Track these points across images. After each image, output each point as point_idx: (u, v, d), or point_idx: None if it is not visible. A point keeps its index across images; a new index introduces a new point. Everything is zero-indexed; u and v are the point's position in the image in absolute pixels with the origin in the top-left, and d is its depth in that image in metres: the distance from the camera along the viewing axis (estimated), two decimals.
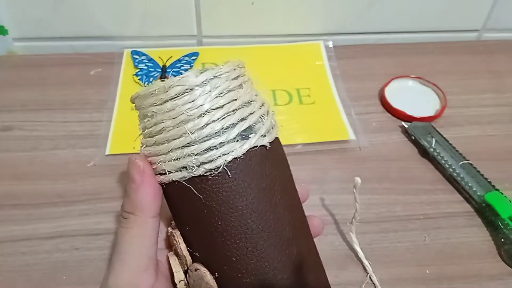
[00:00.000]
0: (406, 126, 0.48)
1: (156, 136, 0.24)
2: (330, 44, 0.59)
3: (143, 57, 0.56)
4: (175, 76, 0.56)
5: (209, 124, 0.22)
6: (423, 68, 0.56)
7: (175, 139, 0.23)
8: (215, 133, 0.23)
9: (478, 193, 0.41)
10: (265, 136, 0.24)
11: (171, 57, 0.56)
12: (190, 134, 0.22)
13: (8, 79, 0.54)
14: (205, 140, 0.23)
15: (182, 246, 0.25)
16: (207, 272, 0.24)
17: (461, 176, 0.43)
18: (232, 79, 0.24)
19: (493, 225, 0.40)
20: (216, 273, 0.24)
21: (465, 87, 0.55)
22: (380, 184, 0.44)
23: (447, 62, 0.58)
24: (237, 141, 0.23)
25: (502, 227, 0.38)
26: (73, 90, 0.52)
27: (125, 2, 0.55)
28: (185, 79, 0.22)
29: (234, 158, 0.23)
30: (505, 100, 0.53)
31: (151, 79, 0.53)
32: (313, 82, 0.54)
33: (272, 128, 0.25)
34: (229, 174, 0.23)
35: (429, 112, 0.50)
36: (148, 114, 0.24)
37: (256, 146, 0.23)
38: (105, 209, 0.40)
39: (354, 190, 0.33)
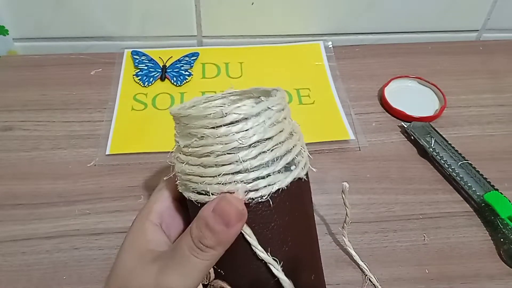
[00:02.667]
0: (406, 126, 0.48)
1: (203, 158, 0.24)
2: (330, 44, 0.59)
3: (143, 57, 0.56)
4: (175, 76, 0.56)
5: (259, 154, 0.23)
6: (422, 68, 0.56)
7: (224, 165, 0.23)
8: (264, 163, 0.23)
9: (478, 193, 0.41)
10: (303, 168, 0.25)
11: (171, 57, 0.56)
12: (241, 162, 0.23)
13: (8, 79, 0.54)
14: (254, 170, 0.23)
15: None
16: None
17: (461, 176, 0.43)
18: (280, 111, 0.25)
19: (493, 225, 0.40)
20: None
21: (464, 87, 0.55)
22: (379, 184, 0.44)
23: (447, 62, 0.58)
24: (281, 172, 0.24)
25: (502, 227, 0.39)
26: (74, 90, 0.52)
27: (125, 2, 0.55)
28: (242, 108, 0.23)
29: (278, 189, 0.24)
30: (505, 100, 0.54)
31: (151, 79, 0.53)
32: (312, 82, 0.54)
33: (308, 160, 0.27)
34: (272, 204, 0.24)
35: (429, 112, 0.50)
36: (197, 135, 0.24)
37: (296, 178, 0.24)
38: (106, 209, 0.41)
39: (343, 195, 0.33)
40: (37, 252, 0.37)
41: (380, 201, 0.42)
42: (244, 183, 0.23)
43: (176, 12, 0.57)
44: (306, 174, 0.26)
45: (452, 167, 0.44)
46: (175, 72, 0.54)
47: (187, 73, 0.54)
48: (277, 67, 0.56)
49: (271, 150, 0.24)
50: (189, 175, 0.25)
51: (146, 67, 0.55)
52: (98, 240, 0.38)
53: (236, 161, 0.23)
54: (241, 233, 0.24)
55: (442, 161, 0.44)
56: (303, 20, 0.60)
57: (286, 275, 0.24)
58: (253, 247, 0.24)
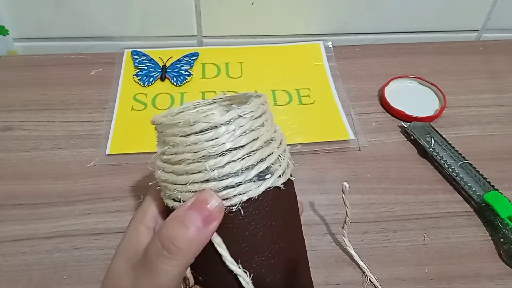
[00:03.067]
0: (406, 126, 0.48)
1: (175, 166, 0.24)
2: (330, 45, 0.59)
3: (143, 57, 0.56)
4: (175, 76, 0.56)
5: (229, 163, 0.23)
6: (422, 68, 0.56)
7: (194, 173, 0.23)
8: (234, 172, 0.23)
9: (478, 193, 0.41)
10: (280, 177, 0.25)
11: (171, 57, 0.56)
12: (210, 171, 0.23)
13: (8, 79, 0.54)
14: (224, 179, 0.23)
15: (187, 270, 0.25)
16: None
17: (461, 176, 0.43)
18: (256, 118, 0.24)
19: (493, 225, 0.40)
20: None
21: (464, 87, 0.55)
22: (379, 184, 0.44)
23: (447, 62, 0.58)
24: (254, 181, 0.23)
25: (501, 227, 0.39)
26: (74, 90, 0.52)
27: (125, 2, 0.55)
28: (210, 117, 0.23)
29: (249, 198, 0.23)
30: (505, 100, 0.54)
31: (151, 79, 0.53)
32: (312, 82, 0.54)
33: (287, 168, 0.26)
34: (242, 213, 0.23)
35: (429, 112, 0.50)
36: (170, 143, 0.24)
37: (271, 187, 0.24)
38: (106, 209, 0.41)
39: (343, 195, 0.33)
40: (37, 252, 0.37)
41: (380, 201, 0.42)
42: (214, 191, 0.23)
43: (176, 12, 0.57)
44: (286, 182, 0.25)
45: (452, 167, 0.44)
46: (175, 72, 0.54)
47: (187, 73, 0.54)
48: (277, 67, 0.56)
49: (242, 159, 0.23)
50: (164, 182, 0.25)
51: (146, 67, 0.55)
52: (98, 240, 0.38)
53: (205, 170, 0.23)
54: (212, 242, 0.23)
55: (442, 161, 0.44)
56: (303, 20, 0.60)
57: (258, 286, 0.24)
58: (223, 258, 0.23)
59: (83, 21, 0.57)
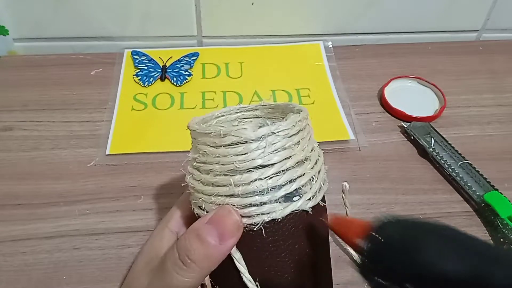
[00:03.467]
0: (406, 126, 0.48)
1: (204, 175, 0.24)
2: (330, 45, 0.59)
3: (143, 57, 0.56)
4: (175, 76, 0.56)
5: (256, 181, 0.22)
6: (422, 68, 0.56)
7: (219, 186, 0.23)
8: (260, 191, 0.22)
9: (477, 193, 0.41)
10: (309, 200, 0.24)
11: (171, 57, 0.56)
12: (235, 186, 0.22)
13: (8, 79, 0.54)
14: (249, 196, 0.22)
15: (207, 283, 0.25)
16: None
17: (460, 176, 0.43)
18: (290, 136, 0.23)
19: (492, 225, 0.40)
20: None
21: (464, 87, 0.55)
22: (379, 184, 0.44)
23: (446, 62, 0.58)
24: (280, 202, 0.23)
25: (501, 227, 0.39)
26: (74, 90, 0.52)
27: (125, 2, 0.55)
28: (242, 131, 0.22)
29: (272, 219, 0.22)
30: (505, 100, 0.54)
31: (151, 79, 0.53)
32: (312, 83, 0.54)
33: (319, 191, 0.25)
34: (264, 233, 0.23)
35: (429, 112, 0.50)
36: (200, 151, 0.24)
37: (298, 210, 0.23)
38: (106, 209, 0.41)
39: (343, 195, 0.33)
40: (37, 252, 0.37)
41: (380, 201, 0.42)
42: (237, 207, 0.22)
43: (176, 12, 0.57)
44: (316, 206, 0.24)
45: (452, 167, 0.44)
46: (175, 72, 0.54)
47: (187, 73, 0.54)
48: (277, 67, 0.56)
49: (270, 178, 0.22)
50: (192, 188, 0.25)
51: (146, 67, 0.55)
52: (98, 240, 0.38)
53: (230, 184, 0.22)
54: (232, 257, 0.23)
55: (442, 161, 0.44)
56: (303, 20, 0.60)
57: None
58: (241, 274, 0.23)
59: (83, 21, 0.57)
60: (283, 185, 0.23)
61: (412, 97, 0.53)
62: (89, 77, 0.54)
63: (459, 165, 0.44)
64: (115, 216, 0.40)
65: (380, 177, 0.44)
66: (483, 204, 0.41)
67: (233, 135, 0.22)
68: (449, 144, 0.46)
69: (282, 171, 0.23)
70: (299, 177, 0.23)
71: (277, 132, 0.23)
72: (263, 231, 0.23)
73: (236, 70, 0.56)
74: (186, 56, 0.56)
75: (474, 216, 0.41)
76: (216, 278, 0.25)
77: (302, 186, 0.23)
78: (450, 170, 0.43)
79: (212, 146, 0.23)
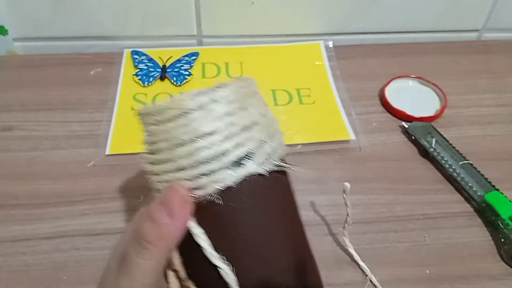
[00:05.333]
0: (406, 126, 0.48)
1: (154, 156, 0.23)
2: (330, 44, 0.59)
3: (143, 57, 0.56)
4: (175, 76, 0.56)
5: (202, 150, 0.22)
6: (423, 68, 0.56)
7: (168, 162, 0.22)
8: (207, 159, 0.22)
9: (478, 193, 0.41)
10: (263, 163, 0.23)
11: (171, 57, 0.56)
12: (182, 159, 0.22)
13: (8, 79, 0.54)
14: (197, 166, 0.22)
15: (177, 262, 0.25)
16: None
17: (461, 176, 0.43)
18: (232, 102, 0.23)
19: (493, 225, 0.40)
20: None
21: (465, 87, 0.55)
22: (380, 184, 0.44)
23: (447, 62, 0.58)
24: (231, 168, 0.22)
25: (502, 227, 0.38)
26: (73, 90, 0.52)
27: (125, 2, 0.55)
28: (180, 102, 0.22)
29: (226, 186, 0.22)
30: (505, 100, 0.53)
31: (151, 79, 0.53)
32: (313, 82, 0.54)
33: (273, 154, 0.24)
34: (221, 202, 0.22)
35: (429, 112, 0.50)
36: (148, 132, 0.24)
37: (252, 174, 0.22)
38: (105, 209, 0.40)
39: (344, 195, 0.32)
40: (36, 253, 0.37)
41: (380, 201, 0.42)
42: (188, 180, 0.22)
43: (176, 12, 0.57)
44: (275, 171, 0.23)
45: (453, 167, 0.43)
46: (175, 72, 0.54)
47: (187, 73, 0.54)
48: (277, 67, 0.56)
49: (216, 144, 0.22)
50: (149, 173, 0.24)
51: (146, 67, 0.55)
52: (98, 240, 0.38)
53: (177, 158, 0.22)
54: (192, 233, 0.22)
55: (443, 161, 0.44)
56: (303, 20, 0.60)
57: (246, 278, 0.22)
58: (203, 250, 0.22)
59: (83, 21, 0.57)
60: (230, 151, 0.22)
61: (413, 97, 0.53)
62: (89, 77, 0.54)
63: (460, 165, 0.44)
64: (114, 216, 0.40)
65: (381, 177, 0.44)
66: (484, 204, 0.41)
67: (172, 108, 0.22)
68: (450, 144, 0.46)
69: (228, 137, 0.22)
70: (248, 140, 0.22)
71: (217, 98, 0.22)
72: (221, 201, 0.22)
73: (236, 69, 0.55)
74: (186, 55, 0.56)
75: (475, 216, 0.41)
76: (183, 260, 0.24)
77: (252, 151, 0.22)
78: (451, 170, 0.43)
79: (156, 124, 0.23)
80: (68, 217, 0.40)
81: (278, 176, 0.24)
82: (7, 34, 0.56)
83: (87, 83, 0.53)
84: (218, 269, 0.22)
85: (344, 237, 0.37)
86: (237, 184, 0.22)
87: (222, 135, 0.22)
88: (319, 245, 0.39)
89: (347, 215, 0.34)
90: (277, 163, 0.24)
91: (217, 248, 0.22)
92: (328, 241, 0.39)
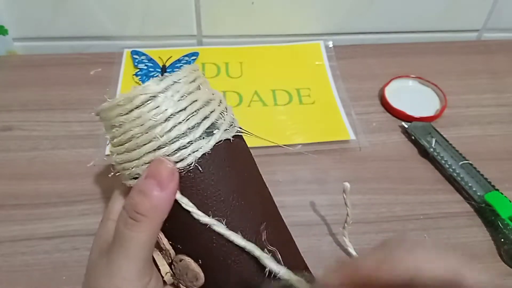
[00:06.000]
0: (406, 126, 0.48)
1: (127, 144, 0.25)
2: (330, 44, 0.59)
3: (143, 57, 0.56)
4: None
5: (175, 126, 0.24)
6: (423, 68, 0.56)
7: (145, 144, 0.24)
8: (182, 133, 0.24)
9: (478, 193, 0.41)
10: (227, 130, 0.26)
11: (171, 57, 0.56)
12: (159, 137, 0.24)
13: (8, 79, 0.54)
14: (174, 142, 0.24)
15: (165, 241, 0.26)
16: (191, 261, 0.26)
17: (461, 176, 0.43)
18: (190, 82, 0.26)
19: (493, 225, 0.40)
20: (199, 260, 0.26)
21: (465, 87, 0.55)
22: (380, 184, 0.44)
23: (447, 62, 0.58)
24: (203, 138, 0.25)
25: (502, 227, 0.38)
26: (73, 90, 0.52)
27: (125, 2, 0.55)
28: (147, 88, 0.24)
29: (203, 154, 0.25)
30: (505, 100, 0.53)
31: (151, 79, 0.53)
32: (313, 82, 0.54)
33: (233, 122, 0.27)
34: (200, 169, 0.24)
35: (429, 112, 0.50)
36: (116, 124, 0.25)
37: (221, 141, 0.25)
38: (105, 209, 0.40)
39: (344, 195, 0.33)
40: (36, 253, 0.37)
41: (380, 201, 0.42)
42: (168, 156, 0.24)
43: (176, 12, 0.57)
44: (236, 135, 0.27)
45: (453, 167, 0.43)
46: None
47: None
48: (277, 67, 0.56)
49: (187, 120, 0.24)
50: (121, 164, 0.26)
51: (145, 67, 0.55)
52: None
53: (154, 138, 0.24)
54: (179, 204, 0.24)
55: (443, 161, 0.44)
56: (303, 20, 0.60)
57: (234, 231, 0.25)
58: (193, 214, 0.24)
59: (83, 21, 0.57)
60: (200, 123, 0.25)
61: (413, 97, 0.53)
62: (89, 77, 0.54)
63: (460, 165, 0.44)
64: None
65: (381, 177, 0.44)
66: (483, 204, 0.41)
67: (141, 94, 0.24)
68: (450, 144, 0.46)
69: (195, 111, 0.25)
70: (211, 112, 0.26)
71: (178, 80, 0.25)
72: (200, 168, 0.24)
73: (236, 69, 0.55)
74: (186, 55, 0.56)
75: (474, 216, 0.41)
76: (174, 236, 0.26)
77: (217, 120, 0.26)
78: (451, 170, 0.43)
79: (125, 114, 0.24)
80: (68, 217, 0.40)
81: (239, 141, 0.28)
82: (7, 34, 0.56)
83: (87, 83, 0.53)
84: (213, 226, 0.24)
85: (344, 237, 0.37)
86: (211, 151, 0.25)
87: (189, 111, 0.25)
88: (319, 245, 0.39)
89: (347, 215, 0.34)
90: (238, 129, 0.27)
91: (204, 211, 0.24)
92: (328, 241, 0.39)
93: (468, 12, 0.60)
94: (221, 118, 0.26)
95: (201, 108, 0.25)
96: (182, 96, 0.25)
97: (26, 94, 0.52)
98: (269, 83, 0.54)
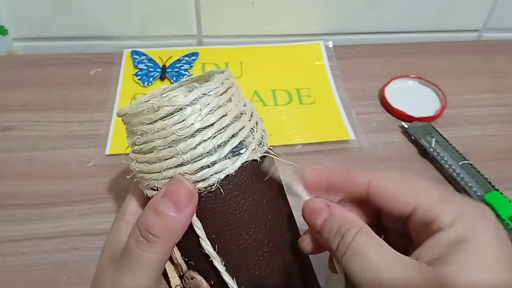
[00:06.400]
0: (406, 126, 0.48)
1: (148, 155, 0.24)
2: (330, 44, 0.59)
3: (143, 57, 0.56)
4: (175, 76, 0.56)
5: (201, 143, 0.22)
6: (423, 68, 0.56)
7: (167, 159, 0.23)
8: (207, 152, 0.22)
9: (478, 193, 0.41)
10: (255, 149, 0.24)
11: (171, 57, 0.56)
12: (182, 154, 0.22)
13: (8, 79, 0.54)
14: (198, 160, 0.22)
15: (178, 255, 0.25)
16: (203, 280, 0.25)
17: (461, 176, 0.43)
18: (221, 94, 0.24)
19: None
20: (211, 281, 0.24)
21: (465, 87, 0.55)
22: None
23: (447, 62, 0.58)
24: (229, 158, 0.23)
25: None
26: (73, 90, 0.52)
27: (125, 2, 0.55)
28: (174, 99, 0.22)
29: (227, 175, 0.23)
30: (505, 100, 0.53)
31: (151, 79, 0.53)
32: (313, 82, 0.54)
33: (262, 140, 0.25)
34: (222, 191, 0.23)
35: (429, 112, 0.50)
36: (138, 132, 0.24)
37: (248, 161, 0.24)
38: (105, 209, 0.40)
39: None
40: (36, 253, 0.37)
41: None
42: (190, 174, 0.23)
43: (176, 12, 0.57)
44: (266, 155, 0.25)
45: (453, 167, 0.43)
46: (175, 72, 0.54)
47: (187, 73, 0.54)
48: (277, 67, 0.56)
49: (214, 137, 0.22)
50: (140, 172, 0.25)
51: (145, 67, 0.55)
52: (98, 240, 0.38)
53: (176, 154, 0.22)
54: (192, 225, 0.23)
55: (443, 161, 0.44)
56: (303, 20, 0.60)
57: (244, 268, 0.24)
58: (201, 242, 0.23)
59: (83, 21, 0.57)
60: (227, 141, 0.23)
61: (413, 97, 0.53)
62: (89, 77, 0.54)
63: (460, 165, 0.44)
64: (114, 216, 0.39)
65: None
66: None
67: (166, 105, 0.22)
68: (450, 144, 0.46)
69: (223, 128, 0.23)
70: (240, 130, 0.24)
71: (208, 92, 0.23)
72: (221, 190, 0.23)
73: (236, 69, 0.55)
74: (186, 56, 0.56)
75: None
76: (187, 253, 0.25)
77: (245, 138, 0.24)
78: (451, 170, 0.43)
79: (148, 123, 0.23)
80: (68, 217, 0.40)
81: (268, 160, 0.25)
82: (7, 34, 0.56)
83: (87, 83, 0.53)
84: (212, 259, 0.23)
85: None
86: (236, 172, 0.23)
87: (217, 127, 0.23)
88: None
89: None
90: (267, 148, 0.25)
91: (217, 236, 0.23)
92: None
93: (468, 12, 0.60)
94: (250, 136, 0.24)
95: (230, 124, 0.23)
96: (211, 110, 0.23)
97: (26, 94, 0.52)
98: (269, 83, 0.54)
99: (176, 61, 0.55)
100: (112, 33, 0.58)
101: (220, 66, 0.56)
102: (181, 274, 0.26)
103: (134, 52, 0.56)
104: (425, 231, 0.21)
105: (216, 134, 0.23)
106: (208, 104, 0.23)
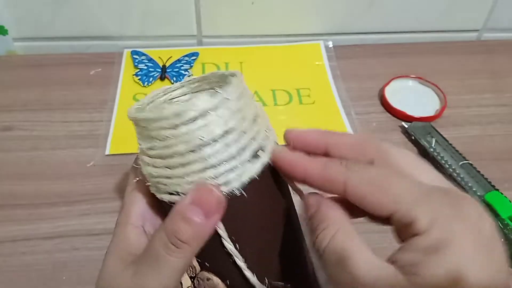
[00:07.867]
0: (406, 126, 0.48)
1: (168, 160, 0.23)
2: (330, 44, 0.59)
3: (143, 57, 0.56)
4: (175, 76, 0.56)
5: (224, 147, 0.23)
6: (423, 68, 0.56)
7: (190, 164, 0.23)
8: (231, 156, 0.23)
9: (478, 193, 0.41)
10: (271, 152, 0.25)
11: (171, 57, 0.56)
12: (207, 159, 0.22)
13: (8, 79, 0.54)
14: (222, 164, 0.23)
15: (192, 258, 0.25)
16: (220, 281, 0.25)
17: (461, 176, 0.43)
18: (240, 98, 0.24)
19: None
20: (227, 281, 0.25)
21: (465, 87, 0.55)
22: None
23: (447, 62, 0.58)
24: (250, 161, 0.23)
25: (502, 227, 0.38)
26: (73, 90, 0.52)
27: (125, 2, 0.55)
28: (198, 104, 0.22)
29: (249, 178, 0.23)
30: (505, 100, 0.53)
31: (151, 79, 0.53)
32: (313, 82, 0.54)
33: (275, 140, 0.26)
34: (245, 194, 0.23)
35: (429, 112, 0.50)
36: (158, 137, 0.23)
37: (267, 163, 0.24)
38: (105, 209, 0.40)
39: None
40: (36, 252, 0.37)
41: None
42: (214, 178, 0.23)
43: (176, 12, 0.57)
44: None
45: (453, 167, 0.43)
46: (175, 72, 0.54)
47: (187, 73, 0.54)
48: (277, 67, 0.56)
49: (236, 141, 0.23)
50: (157, 177, 0.24)
51: (145, 67, 0.55)
52: (97, 240, 0.38)
53: (200, 158, 0.22)
54: (216, 230, 0.23)
55: (443, 161, 0.44)
56: (303, 20, 0.60)
57: (263, 265, 0.24)
58: (223, 241, 0.23)
59: (83, 21, 0.57)
60: (248, 144, 0.23)
61: (413, 97, 0.53)
62: (89, 77, 0.54)
63: (460, 165, 0.44)
64: (114, 216, 0.39)
65: None
66: (483, 204, 0.41)
67: (190, 110, 0.22)
68: (450, 144, 0.46)
69: (243, 131, 0.23)
70: (257, 132, 0.24)
71: (229, 96, 0.23)
72: (245, 193, 0.23)
73: (236, 70, 0.55)
74: (186, 56, 0.56)
75: None
76: (203, 254, 0.25)
77: (262, 141, 0.24)
78: (451, 170, 0.43)
79: (170, 128, 0.23)
80: (68, 217, 0.40)
81: None
82: (7, 34, 0.56)
83: (87, 83, 0.53)
84: (235, 259, 0.24)
85: None
86: (257, 175, 0.23)
87: (238, 131, 0.23)
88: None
89: None
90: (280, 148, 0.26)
91: (239, 237, 0.24)
92: None
93: (468, 12, 0.60)
94: (266, 138, 0.24)
95: (248, 127, 0.24)
96: (232, 114, 0.23)
97: (26, 94, 0.52)
98: (269, 83, 0.54)
99: (176, 61, 0.55)
100: (112, 33, 0.58)
101: (220, 66, 0.56)
102: (194, 275, 0.26)
103: (134, 52, 0.56)
104: (405, 232, 0.21)
105: (238, 137, 0.23)
106: (230, 108, 0.23)
